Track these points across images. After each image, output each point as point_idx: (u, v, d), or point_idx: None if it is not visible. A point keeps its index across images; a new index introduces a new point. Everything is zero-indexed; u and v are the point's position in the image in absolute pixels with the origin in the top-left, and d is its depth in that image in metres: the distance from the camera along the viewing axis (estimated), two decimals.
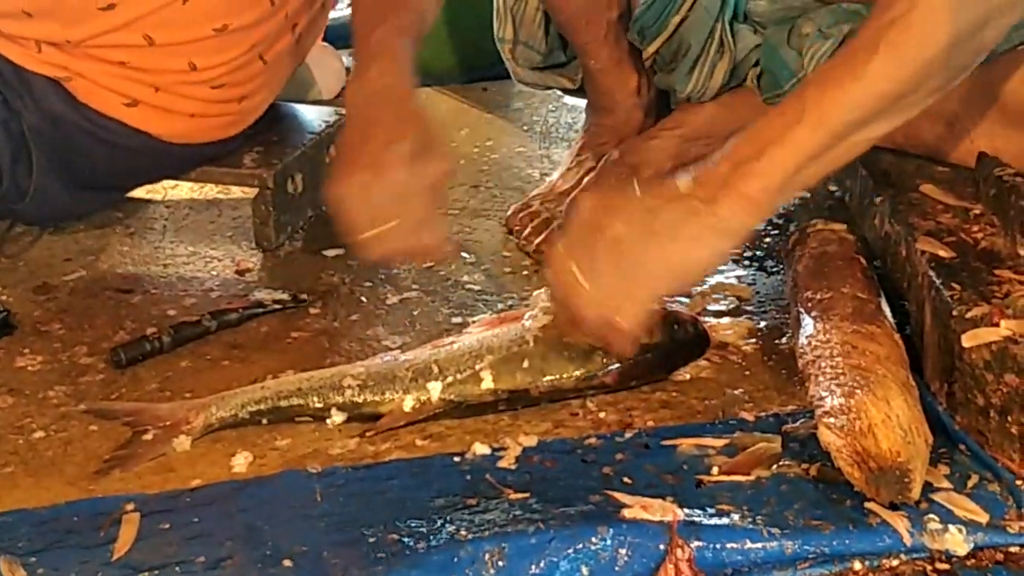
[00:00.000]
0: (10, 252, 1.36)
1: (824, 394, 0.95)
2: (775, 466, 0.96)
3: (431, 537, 0.89)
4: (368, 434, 1.02)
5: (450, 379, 1.04)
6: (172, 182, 1.48)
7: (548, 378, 1.05)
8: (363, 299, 1.26)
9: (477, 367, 1.05)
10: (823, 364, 0.98)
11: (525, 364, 1.05)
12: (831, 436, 0.92)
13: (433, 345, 1.09)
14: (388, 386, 1.04)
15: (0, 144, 1.21)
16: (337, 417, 1.04)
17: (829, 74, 0.96)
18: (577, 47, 1.41)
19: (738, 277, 1.25)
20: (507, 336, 1.07)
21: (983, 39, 0.95)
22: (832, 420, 0.93)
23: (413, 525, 0.90)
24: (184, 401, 1.05)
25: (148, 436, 1.02)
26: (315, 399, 1.04)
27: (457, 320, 1.20)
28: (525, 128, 1.72)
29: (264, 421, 1.04)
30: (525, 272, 1.31)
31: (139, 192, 1.48)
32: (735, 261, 1.27)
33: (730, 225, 0.96)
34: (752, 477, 0.95)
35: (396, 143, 1.03)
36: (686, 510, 0.90)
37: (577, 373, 1.05)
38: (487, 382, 1.04)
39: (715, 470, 0.96)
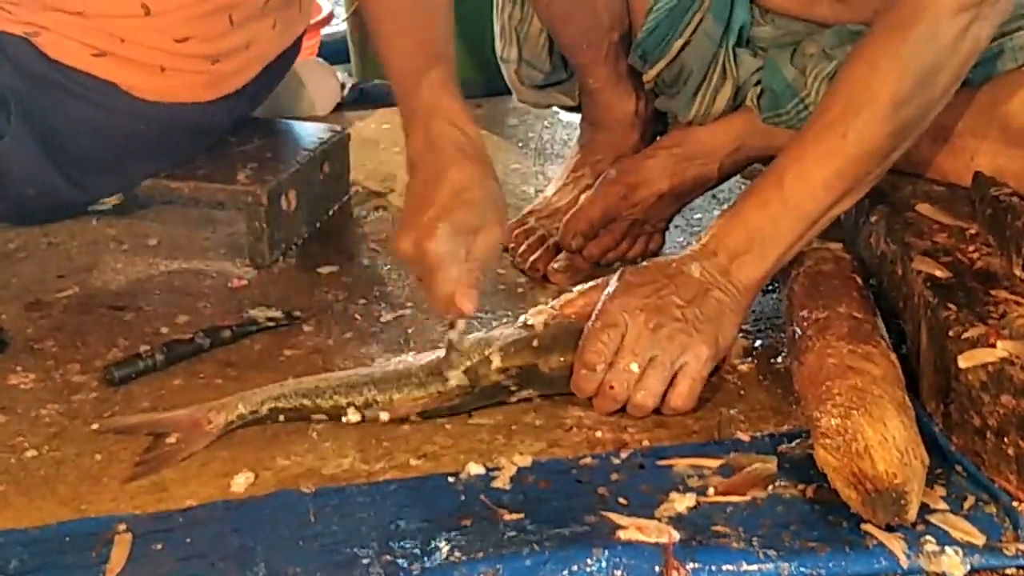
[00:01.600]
0: (2, 268, 1.36)
1: (820, 415, 0.95)
2: (771, 487, 0.96)
3: (425, 558, 0.88)
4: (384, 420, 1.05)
5: (461, 367, 1.06)
6: (165, 197, 1.47)
7: (557, 355, 1.07)
8: (357, 316, 1.25)
9: (487, 351, 1.07)
10: (819, 384, 0.98)
11: (535, 343, 1.08)
12: (827, 457, 0.92)
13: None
14: (404, 383, 1.06)
15: None
16: (353, 416, 1.05)
17: (799, 160, 1.08)
18: (577, 67, 1.41)
19: None
20: (514, 326, 1.10)
21: (937, 87, 1.08)
22: (828, 441, 0.92)
23: (407, 546, 0.90)
24: (202, 404, 1.05)
25: (171, 439, 1.02)
26: (332, 398, 1.05)
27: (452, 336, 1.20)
28: (520, 145, 1.72)
29: (281, 419, 1.05)
30: (520, 290, 1.31)
31: (133, 207, 1.48)
32: None
33: (737, 306, 1.09)
34: (748, 498, 0.94)
35: (444, 220, 1.03)
36: (681, 531, 0.90)
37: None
38: (496, 362, 1.06)
39: (711, 491, 0.95)
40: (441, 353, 1.09)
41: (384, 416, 1.06)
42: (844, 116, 1.07)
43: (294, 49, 1.49)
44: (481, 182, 1.06)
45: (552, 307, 1.13)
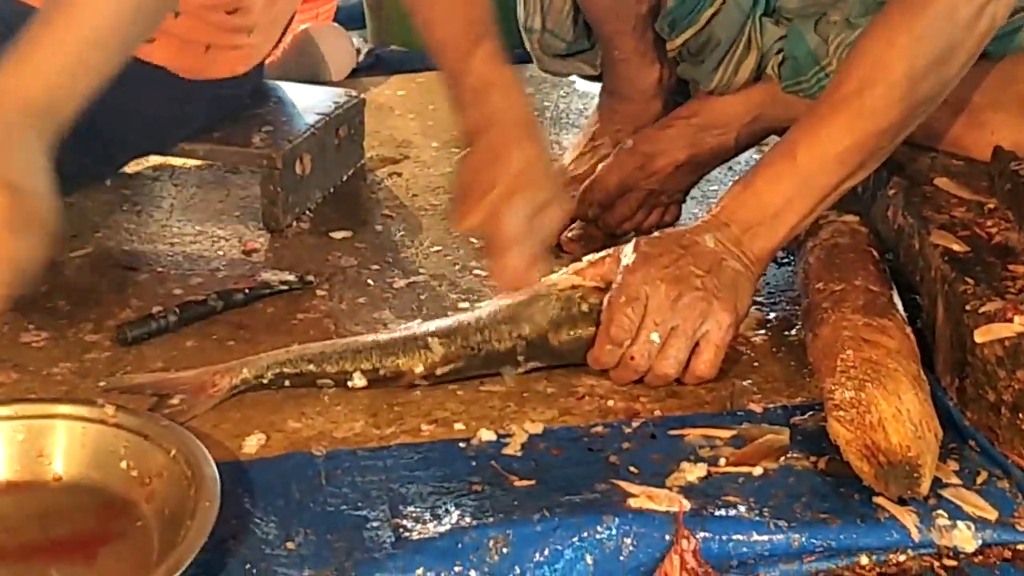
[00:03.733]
0: None
1: (834, 387, 0.94)
2: (783, 458, 0.95)
3: (435, 523, 0.88)
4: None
5: (470, 333, 1.06)
6: (180, 160, 1.47)
7: (568, 329, 1.07)
8: (370, 282, 1.25)
9: (497, 318, 1.07)
10: (834, 357, 0.97)
11: (546, 316, 1.07)
12: (840, 429, 0.92)
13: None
14: (410, 346, 1.06)
15: None
16: (359, 381, 1.05)
17: (813, 131, 1.08)
18: (602, 37, 1.40)
19: None
20: (529, 297, 1.09)
21: (953, 65, 1.07)
22: (842, 413, 0.92)
23: (417, 510, 0.90)
24: (209, 367, 1.05)
25: (175, 401, 1.02)
26: (338, 363, 1.05)
27: (464, 306, 1.20)
28: (536, 113, 1.70)
29: (287, 384, 1.04)
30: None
31: (147, 168, 1.48)
32: None
33: (750, 276, 1.08)
34: (759, 469, 0.94)
35: (515, 198, 1.05)
36: (692, 501, 0.90)
37: (592, 329, 1.06)
38: (508, 336, 1.06)
39: (722, 461, 0.95)
40: (446, 320, 1.09)
41: (391, 381, 1.05)
42: (859, 91, 1.06)
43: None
44: (541, 159, 1.08)
45: (564, 276, 1.13)
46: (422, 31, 1.14)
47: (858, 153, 1.07)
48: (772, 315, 1.16)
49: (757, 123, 1.32)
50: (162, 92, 1.29)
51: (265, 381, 1.04)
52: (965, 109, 1.22)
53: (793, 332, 1.13)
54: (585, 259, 1.13)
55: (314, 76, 1.76)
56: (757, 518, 0.88)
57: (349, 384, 1.05)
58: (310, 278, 1.24)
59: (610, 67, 1.43)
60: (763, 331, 1.14)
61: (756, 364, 1.09)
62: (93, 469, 0.92)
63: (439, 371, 1.06)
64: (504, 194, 1.04)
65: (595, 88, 1.50)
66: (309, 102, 1.46)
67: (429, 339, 1.06)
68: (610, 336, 1.05)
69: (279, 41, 1.45)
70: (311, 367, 1.05)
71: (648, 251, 1.08)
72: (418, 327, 1.09)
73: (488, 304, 1.11)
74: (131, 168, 1.47)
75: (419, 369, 1.05)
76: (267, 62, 1.47)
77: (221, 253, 1.31)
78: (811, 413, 1.01)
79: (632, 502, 0.89)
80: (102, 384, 1.05)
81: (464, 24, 1.11)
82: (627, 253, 1.09)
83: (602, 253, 1.12)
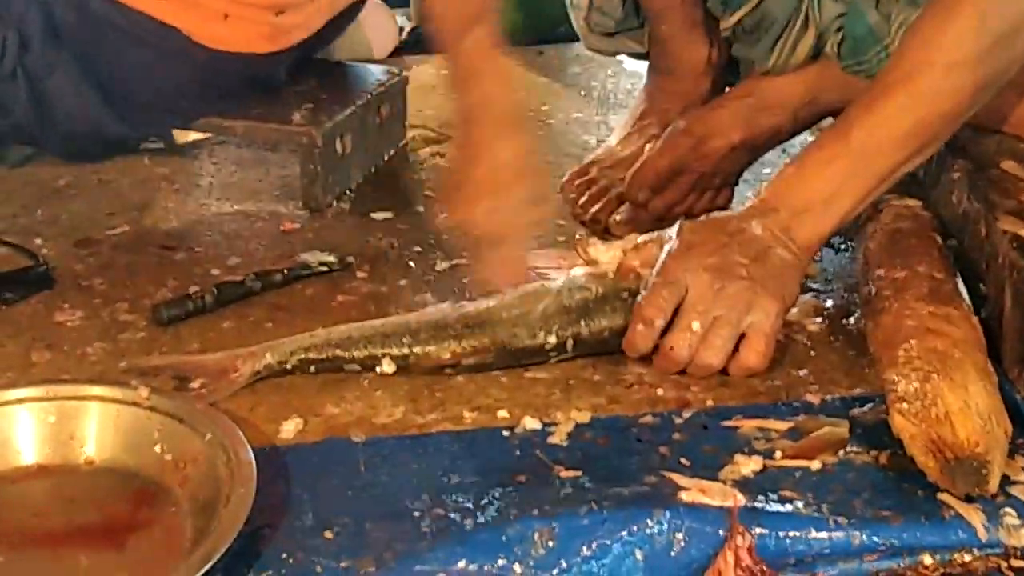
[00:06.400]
0: (51, 205, 1.33)
1: (897, 378, 0.90)
2: (842, 452, 0.91)
3: (478, 514, 0.85)
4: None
5: (501, 325, 1.02)
6: (219, 137, 1.44)
7: (601, 319, 1.03)
8: (411, 264, 1.21)
9: (530, 308, 1.03)
10: (897, 346, 0.93)
11: (580, 310, 1.03)
12: (904, 423, 0.87)
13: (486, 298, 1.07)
14: (441, 334, 1.02)
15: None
16: (387, 367, 1.01)
17: (868, 114, 1.02)
18: (650, 12, 1.36)
19: None
20: (562, 286, 1.05)
21: (1019, 44, 1.02)
22: (906, 406, 0.88)
23: (459, 500, 0.86)
24: (231, 351, 1.02)
25: (195, 384, 0.99)
26: (366, 348, 1.01)
27: (508, 289, 1.16)
28: (582, 93, 1.66)
29: (313, 370, 1.01)
30: (579, 234, 1.26)
31: (186, 146, 1.45)
32: None
33: (799, 265, 1.03)
34: (818, 463, 0.90)
35: (504, 194, 1.04)
36: (747, 495, 0.86)
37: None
38: (542, 336, 1.02)
39: (778, 454, 0.91)
40: (480, 303, 1.05)
41: (420, 368, 1.02)
42: (918, 71, 1.02)
43: (359, 3, 1.44)
44: (527, 151, 1.06)
45: (602, 260, 1.09)
46: (423, 6, 1.12)
47: (916, 136, 1.02)
48: (829, 302, 1.12)
49: (815, 104, 1.28)
50: (182, 56, 1.26)
51: (289, 367, 1.01)
52: None
53: (851, 320, 1.08)
54: (620, 243, 1.09)
55: (356, 54, 1.72)
56: (815, 514, 0.84)
57: (377, 370, 1.01)
58: (350, 259, 1.21)
59: (658, 44, 1.39)
60: (820, 319, 1.09)
61: (813, 353, 1.05)
62: (126, 453, 0.89)
63: (466, 362, 1.02)
64: (489, 189, 1.02)
65: (643, 68, 1.46)
66: (351, 80, 1.43)
67: (459, 328, 1.02)
68: (642, 316, 1.01)
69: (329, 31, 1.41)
70: (338, 352, 1.01)
71: (692, 238, 1.04)
72: (450, 310, 1.05)
73: (519, 291, 1.06)
74: (169, 146, 1.44)
75: (447, 357, 1.01)
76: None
77: (259, 233, 1.28)
78: (871, 405, 0.96)
79: (684, 495, 0.86)
80: (122, 365, 1.02)
81: (460, 5, 1.08)
82: (671, 238, 1.05)
83: (644, 237, 1.08)
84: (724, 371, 1.01)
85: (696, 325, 1.00)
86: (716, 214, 1.10)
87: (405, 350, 1.02)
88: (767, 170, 1.40)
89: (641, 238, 1.08)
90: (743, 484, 0.87)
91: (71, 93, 1.26)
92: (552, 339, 1.02)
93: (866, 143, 1.02)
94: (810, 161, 1.05)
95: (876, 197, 1.06)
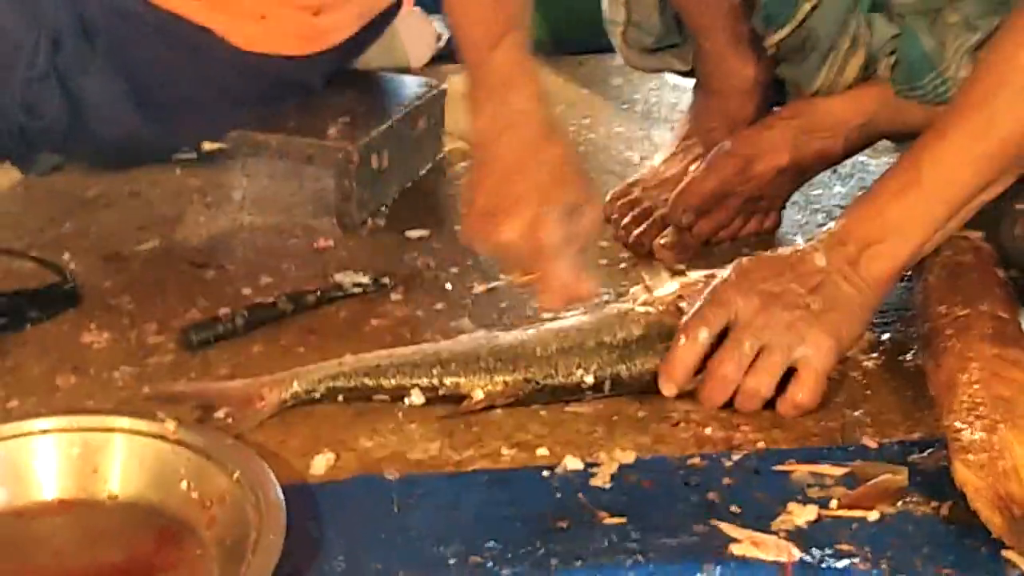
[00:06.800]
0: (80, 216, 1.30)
1: (961, 426, 0.85)
2: (901, 502, 0.87)
3: (516, 563, 0.81)
4: (447, 416, 0.96)
5: (536, 363, 0.98)
6: (252, 149, 1.41)
7: (643, 359, 0.98)
8: (448, 286, 1.17)
9: (566, 346, 0.99)
10: (960, 391, 0.88)
11: (622, 350, 0.99)
12: (968, 475, 0.83)
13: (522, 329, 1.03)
14: (472, 367, 0.98)
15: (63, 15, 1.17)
16: (416, 398, 0.97)
17: (940, 142, 0.98)
18: (693, 28, 1.31)
19: None
20: (601, 321, 1.00)
21: None
22: (970, 457, 0.83)
23: (496, 548, 0.82)
24: (256, 378, 0.99)
25: (220, 414, 0.95)
26: (395, 378, 0.98)
27: (547, 315, 1.12)
28: (624, 107, 1.62)
29: (340, 399, 0.97)
30: (623, 265, 1.21)
31: (218, 157, 1.41)
32: None
33: (867, 301, 0.98)
34: (875, 513, 0.85)
35: (550, 204, 0.98)
36: (801, 548, 0.81)
37: None
38: (579, 375, 0.98)
39: (833, 503, 0.86)
40: (516, 334, 1.01)
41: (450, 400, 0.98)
42: (992, 96, 0.97)
43: (396, 5, 1.41)
44: (569, 160, 1.01)
45: (650, 299, 1.05)
46: (449, 17, 1.07)
47: (991, 164, 0.97)
48: (885, 336, 1.07)
49: (868, 127, 1.23)
50: (216, 58, 1.23)
51: (317, 396, 0.97)
52: None
53: (908, 357, 1.04)
54: (675, 286, 1.05)
55: (393, 62, 1.68)
56: (875, 571, 0.79)
57: (406, 401, 0.97)
58: (385, 280, 1.17)
59: (702, 61, 1.34)
60: (875, 354, 1.04)
61: (868, 392, 1.00)
62: (151, 489, 0.86)
63: (499, 401, 0.98)
64: (537, 202, 0.97)
65: (688, 81, 1.41)
66: (388, 92, 1.40)
67: (491, 362, 0.98)
68: (687, 330, 0.96)
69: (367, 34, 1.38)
70: (366, 381, 0.98)
71: (748, 266, 0.99)
72: (484, 341, 1.01)
73: (555, 324, 1.02)
74: (200, 157, 1.40)
75: (479, 396, 0.97)
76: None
77: (292, 250, 1.24)
78: (931, 451, 0.91)
79: (735, 548, 0.81)
80: (145, 391, 0.99)
81: (490, 10, 1.03)
82: (727, 270, 1.00)
83: (698, 274, 1.03)
84: (771, 406, 0.97)
85: (747, 346, 0.95)
86: (779, 250, 1.04)
87: (435, 381, 0.98)
88: (817, 191, 1.35)
89: (690, 278, 1.03)
90: (797, 535, 0.83)
91: (104, 94, 1.23)
92: (589, 379, 0.98)
93: (938, 172, 0.97)
94: (880, 192, 1.00)
95: (953, 229, 1.01)
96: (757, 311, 0.96)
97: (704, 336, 0.96)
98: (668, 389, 0.97)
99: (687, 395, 0.98)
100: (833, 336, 0.96)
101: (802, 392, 0.96)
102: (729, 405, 0.97)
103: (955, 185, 0.98)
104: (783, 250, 1.02)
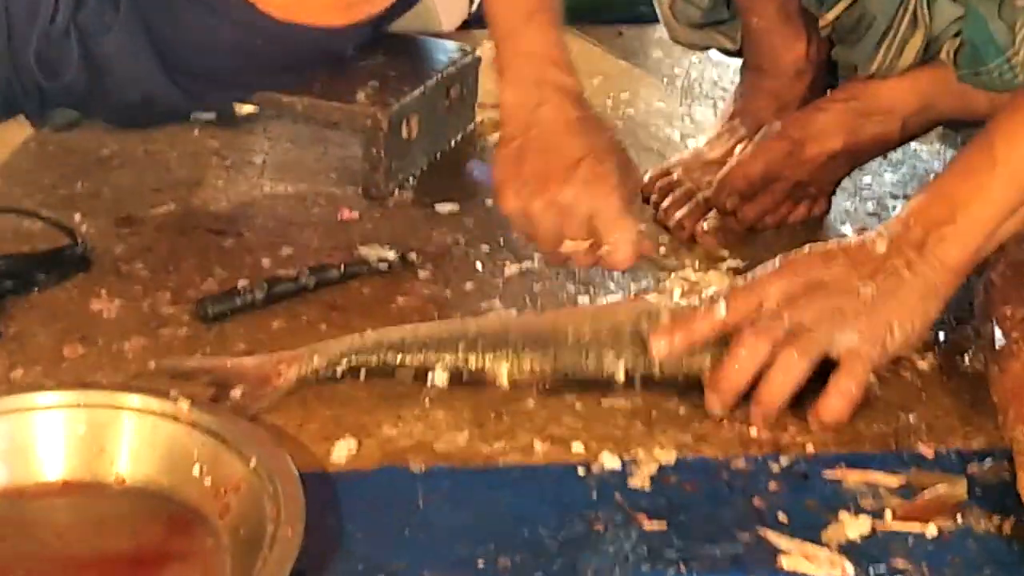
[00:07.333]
0: (95, 176, 1.24)
1: None
2: (960, 516, 0.81)
3: (550, 567, 0.75)
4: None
5: (567, 350, 0.92)
6: (275, 112, 1.35)
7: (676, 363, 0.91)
8: (479, 265, 1.11)
9: (600, 336, 0.92)
10: None
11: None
12: None
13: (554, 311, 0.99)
14: (499, 348, 0.92)
15: None
16: (440, 377, 0.92)
17: (1015, 118, 0.91)
18: (741, 3, 1.25)
19: None
20: (636, 310, 0.94)
21: None
22: None
23: (530, 550, 0.77)
24: (273, 353, 0.93)
25: (236, 392, 0.89)
26: (420, 352, 0.92)
27: (584, 299, 1.06)
28: (665, 81, 1.55)
29: (362, 376, 0.92)
30: (662, 249, 1.15)
31: (240, 119, 1.36)
32: None
33: (936, 290, 0.90)
34: (933, 528, 0.80)
35: (579, 167, 0.97)
36: (854, 563, 0.76)
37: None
38: (609, 360, 0.91)
39: (888, 514, 0.81)
40: (548, 315, 0.96)
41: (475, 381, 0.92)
42: None
43: None
44: (608, 134, 1.01)
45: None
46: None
47: None
48: (940, 335, 1.01)
49: (927, 112, 1.16)
50: (247, 26, 1.17)
51: (338, 372, 0.92)
52: None
53: (966, 359, 0.97)
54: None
55: (423, 25, 1.61)
56: None
57: (429, 380, 0.92)
58: (412, 257, 1.11)
59: (750, 38, 1.28)
60: (931, 355, 0.98)
61: (924, 395, 0.94)
62: (161, 473, 0.80)
63: (526, 384, 0.92)
64: (595, 160, 0.96)
65: (736, 62, 1.35)
66: (421, 56, 1.33)
67: (520, 344, 0.92)
68: (698, 312, 0.90)
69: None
70: (389, 356, 0.92)
71: (797, 256, 0.92)
72: (513, 321, 0.96)
73: (589, 309, 0.98)
74: (221, 118, 1.35)
75: (503, 380, 0.92)
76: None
77: (315, 220, 1.18)
78: (991, 461, 0.86)
79: (784, 560, 0.76)
80: (151, 365, 0.93)
81: None
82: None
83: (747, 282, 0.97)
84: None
85: (776, 327, 0.87)
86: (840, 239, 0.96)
87: (460, 359, 0.92)
88: (867, 177, 1.29)
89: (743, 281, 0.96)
90: (849, 549, 0.78)
91: (126, 55, 1.17)
92: (620, 375, 0.92)
93: (1011, 150, 0.90)
94: (949, 175, 0.93)
95: None
96: (798, 289, 0.89)
97: (720, 312, 0.89)
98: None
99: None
100: (885, 326, 0.88)
101: (846, 380, 0.87)
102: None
103: None
104: (841, 239, 0.95)
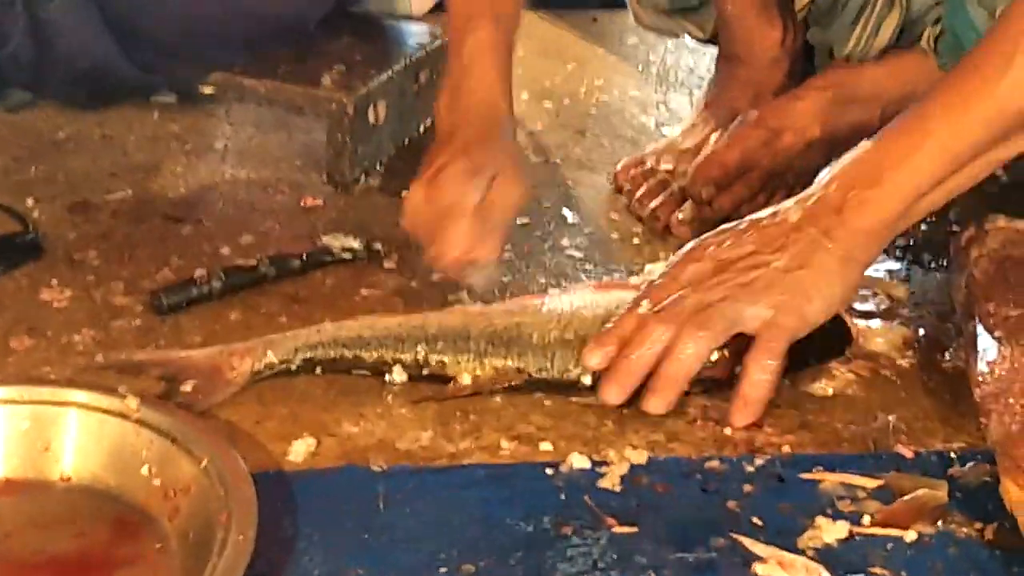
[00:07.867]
0: (48, 160, 1.20)
1: (1014, 442, 0.77)
2: (940, 521, 0.78)
3: (515, 573, 0.72)
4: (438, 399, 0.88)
5: (531, 352, 0.89)
6: (237, 95, 1.30)
7: None
8: None
9: (566, 336, 0.89)
10: (1011, 401, 0.80)
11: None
12: (1020, 496, 0.74)
13: (520, 305, 0.95)
14: (461, 347, 0.89)
15: None
16: (398, 376, 0.89)
17: (954, 89, 0.88)
18: None
19: (890, 271, 1.06)
20: (604, 304, 0.91)
21: None
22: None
23: (494, 555, 0.74)
24: (224, 346, 0.90)
25: (187, 388, 0.86)
26: (377, 350, 0.89)
27: (554, 292, 1.03)
28: (640, 68, 1.52)
29: (318, 370, 0.89)
30: (636, 240, 1.12)
31: (201, 102, 1.31)
32: (886, 251, 1.06)
33: (853, 254, 0.87)
34: (913, 533, 0.77)
35: (478, 177, 0.94)
36: (831, 570, 0.73)
37: None
38: (574, 364, 0.88)
39: (866, 519, 0.78)
40: (513, 314, 0.92)
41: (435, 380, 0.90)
42: (1013, 48, 0.86)
43: None
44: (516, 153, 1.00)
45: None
46: None
47: (1005, 118, 0.86)
48: (920, 331, 0.98)
49: (907, 100, 1.12)
50: None
51: (293, 367, 0.89)
52: None
53: (946, 357, 0.95)
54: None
55: (391, 8, 1.57)
56: None
57: (387, 378, 0.89)
58: (377, 246, 1.07)
59: (725, 26, 1.25)
60: (910, 352, 0.96)
61: (903, 394, 0.91)
62: (108, 472, 0.77)
63: (487, 388, 0.89)
64: (443, 163, 0.95)
65: (714, 50, 1.31)
66: (388, 40, 1.29)
67: (483, 344, 0.89)
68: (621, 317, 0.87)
69: None
70: (346, 352, 0.89)
71: (710, 235, 0.90)
72: (477, 318, 0.92)
73: (557, 305, 0.93)
74: (181, 101, 1.30)
75: (466, 380, 0.89)
76: None
77: (277, 208, 1.15)
78: (972, 463, 0.83)
79: (758, 568, 0.73)
80: (98, 359, 0.89)
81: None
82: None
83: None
84: (801, 413, 0.88)
85: (691, 301, 0.85)
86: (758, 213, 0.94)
87: (420, 358, 0.89)
88: None
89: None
90: (826, 555, 0.75)
91: (75, 24, 1.13)
92: (587, 379, 0.89)
93: (945, 118, 0.86)
94: (881, 140, 0.89)
95: (957, 189, 0.90)
96: (703, 279, 0.86)
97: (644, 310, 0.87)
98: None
99: (706, 389, 0.89)
100: (802, 295, 0.85)
101: (762, 353, 0.85)
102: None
103: (962, 136, 0.86)
104: (754, 214, 0.92)
